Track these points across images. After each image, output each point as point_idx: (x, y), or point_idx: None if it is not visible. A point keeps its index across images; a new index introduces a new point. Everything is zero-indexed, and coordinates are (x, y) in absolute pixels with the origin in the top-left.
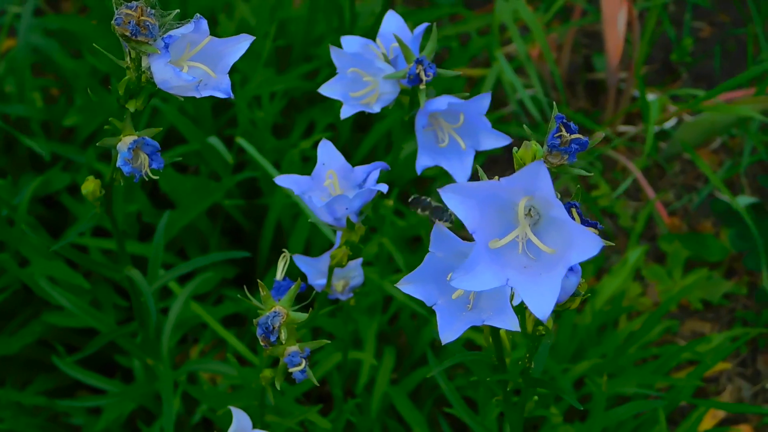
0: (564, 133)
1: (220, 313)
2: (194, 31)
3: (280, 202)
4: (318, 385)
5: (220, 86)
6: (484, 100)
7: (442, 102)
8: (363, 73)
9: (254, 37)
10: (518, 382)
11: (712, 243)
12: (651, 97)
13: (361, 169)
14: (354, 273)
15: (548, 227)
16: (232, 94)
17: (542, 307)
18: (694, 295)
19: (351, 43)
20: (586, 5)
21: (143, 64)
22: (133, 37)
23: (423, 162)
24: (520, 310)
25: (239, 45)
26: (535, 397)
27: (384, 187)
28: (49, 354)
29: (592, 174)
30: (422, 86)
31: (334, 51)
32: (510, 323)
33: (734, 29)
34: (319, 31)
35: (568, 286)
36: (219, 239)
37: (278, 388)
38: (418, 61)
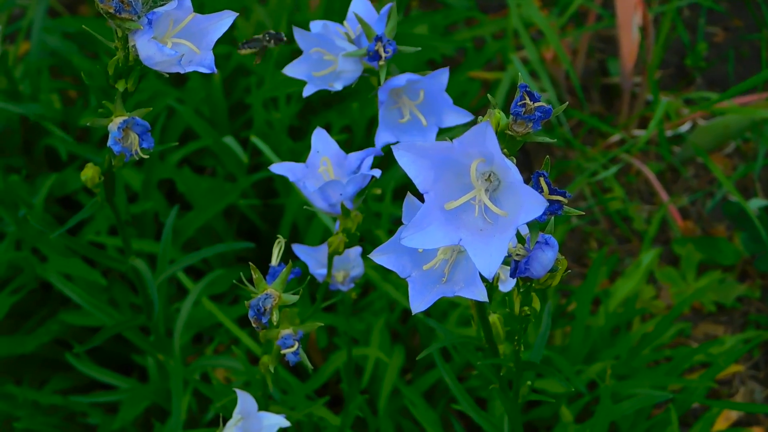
0: (528, 101)
1: (235, 312)
2: (177, 8)
3: (295, 202)
4: (312, 368)
5: (203, 62)
6: (443, 76)
7: (402, 79)
8: (325, 52)
9: (237, 14)
10: (509, 367)
11: (725, 246)
12: (665, 101)
13: (354, 156)
14: (354, 263)
15: (507, 192)
16: (215, 69)
17: (488, 266)
18: (707, 297)
19: (315, 24)
20: (600, 10)
21: (129, 43)
22: (117, 14)
23: (383, 138)
24: (509, 292)
25: (222, 21)
26: (528, 382)
27: (377, 172)
28: (66, 353)
29: (554, 141)
30: (381, 62)
31: (297, 32)
32: (479, 294)
33: (748, 34)
34: None
35: (545, 261)
36: (234, 240)
37: (271, 370)
38: (377, 38)
